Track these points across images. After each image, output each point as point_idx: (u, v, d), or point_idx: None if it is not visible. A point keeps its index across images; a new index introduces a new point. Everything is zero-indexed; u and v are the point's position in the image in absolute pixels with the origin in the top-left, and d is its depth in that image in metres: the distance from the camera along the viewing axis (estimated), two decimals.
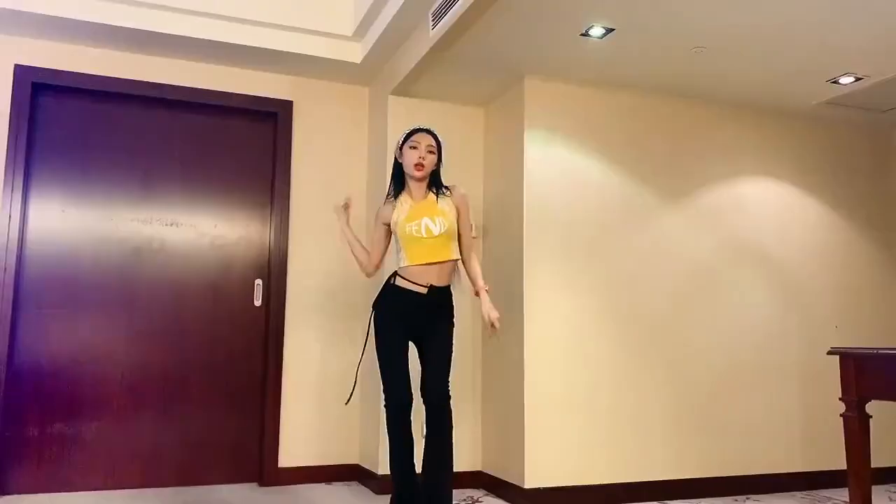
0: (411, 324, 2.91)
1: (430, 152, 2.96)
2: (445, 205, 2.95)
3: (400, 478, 2.93)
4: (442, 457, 2.86)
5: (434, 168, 3.00)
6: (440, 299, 2.92)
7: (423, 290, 2.88)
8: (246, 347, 4.01)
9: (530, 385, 3.53)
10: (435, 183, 3.02)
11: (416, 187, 2.99)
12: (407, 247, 2.91)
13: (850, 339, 4.19)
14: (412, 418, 2.94)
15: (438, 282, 2.90)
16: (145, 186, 3.92)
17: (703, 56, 3.47)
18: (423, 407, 2.88)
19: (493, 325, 2.91)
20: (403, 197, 2.99)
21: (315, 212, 4.13)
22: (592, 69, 3.65)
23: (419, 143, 2.95)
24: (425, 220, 2.89)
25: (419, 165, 2.92)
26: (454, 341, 2.97)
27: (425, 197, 2.97)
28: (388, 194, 3.10)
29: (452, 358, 2.94)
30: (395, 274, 2.97)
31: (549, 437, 3.53)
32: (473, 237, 3.13)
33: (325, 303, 4.11)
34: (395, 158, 3.05)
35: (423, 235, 2.88)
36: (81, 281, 3.76)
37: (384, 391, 2.92)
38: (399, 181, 3.05)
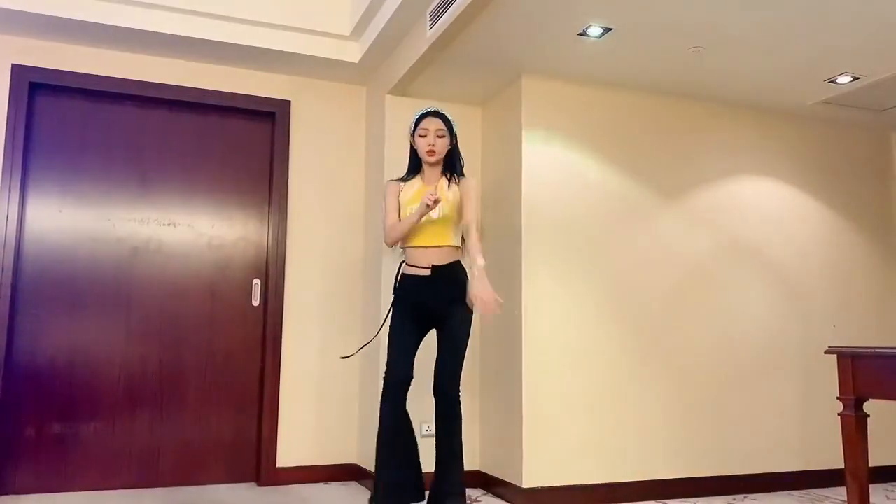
0: (422, 308, 2.93)
1: (440, 136, 3.00)
2: (451, 192, 3.00)
3: (384, 464, 2.87)
4: (450, 453, 2.89)
5: (450, 148, 3.05)
6: (447, 277, 2.93)
7: (427, 272, 2.91)
8: (244, 347, 4.01)
9: (528, 384, 3.53)
10: (451, 166, 3.06)
11: (430, 171, 3.05)
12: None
13: (847, 339, 4.19)
14: (408, 399, 2.96)
15: (440, 261, 2.92)
16: (143, 186, 3.92)
17: (701, 56, 3.47)
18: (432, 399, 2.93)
19: (486, 305, 2.77)
20: (415, 179, 3.04)
21: (313, 211, 4.13)
22: (590, 69, 3.65)
23: (428, 129, 3.01)
24: None
25: (431, 152, 2.99)
26: (470, 326, 2.97)
27: (437, 181, 3.03)
28: (409, 170, 3.13)
29: (466, 349, 2.96)
30: (402, 261, 3.04)
31: (548, 437, 3.53)
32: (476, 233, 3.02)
33: (324, 303, 4.11)
34: (410, 143, 3.11)
35: (424, 219, 2.92)
36: (79, 281, 3.75)
37: (385, 367, 2.98)
38: (416, 164, 3.10)
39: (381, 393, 2.96)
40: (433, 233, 2.94)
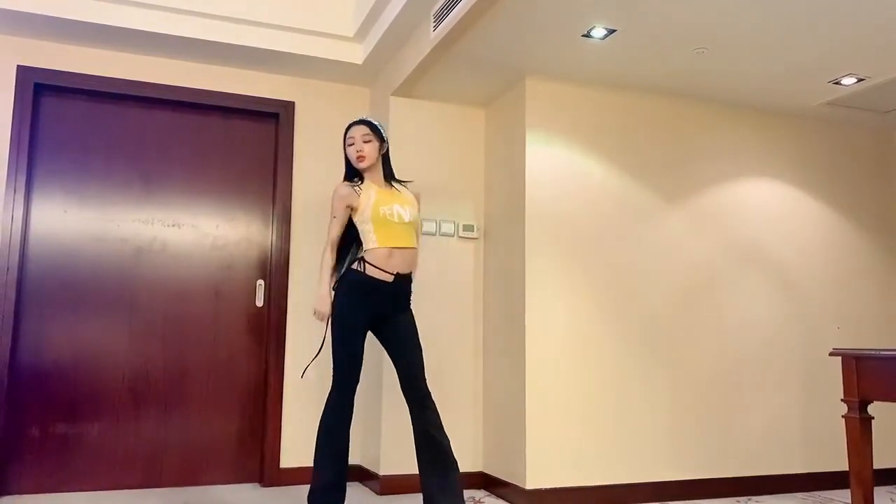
0: (374, 312, 2.92)
1: (367, 141, 2.99)
2: (409, 196, 3.06)
3: (331, 464, 2.90)
4: (442, 455, 2.87)
5: (382, 154, 3.04)
6: (404, 288, 2.97)
7: (389, 279, 2.90)
8: (247, 348, 4.01)
9: (531, 385, 3.53)
10: (388, 172, 3.07)
11: (371, 176, 3.04)
12: (378, 229, 2.90)
13: (852, 341, 4.18)
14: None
15: (403, 269, 2.94)
16: (147, 187, 3.93)
17: (705, 57, 3.47)
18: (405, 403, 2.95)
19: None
20: (366, 183, 3.01)
21: (317, 212, 4.14)
22: (594, 70, 3.65)
23: (354, 136, 3.01)
24: (396, 207, 2.95)
25: (360, 157, 2.99)
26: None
27: (388, 186, 3.04)
28: (347, 179, 3.07)
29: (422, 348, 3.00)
30: (360, 260, 2.91)
31: (551, 438, 3.53)
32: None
33: None
34: (345, 154, 3.08)
35: (396, 220, 2.93)
36: (83, 281, 3.76)
37: (337, 374, 2.87)
38: (353, 170, 3.06)
39: (335, 403, 2.88)
40: (404, 234, 2.94)
